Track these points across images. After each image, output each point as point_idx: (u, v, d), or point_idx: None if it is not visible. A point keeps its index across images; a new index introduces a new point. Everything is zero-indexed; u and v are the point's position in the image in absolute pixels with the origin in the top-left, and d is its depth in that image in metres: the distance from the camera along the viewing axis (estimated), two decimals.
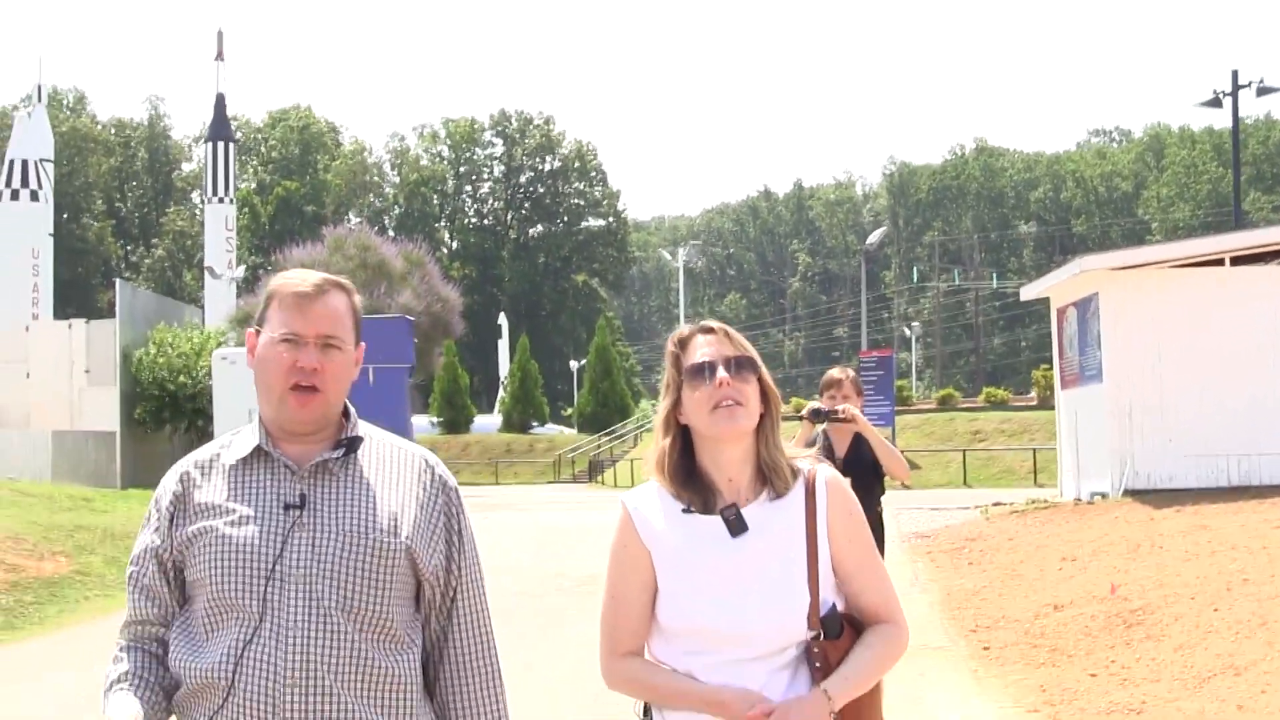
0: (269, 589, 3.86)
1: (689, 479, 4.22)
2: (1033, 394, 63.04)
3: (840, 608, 4.18)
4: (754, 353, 4.27)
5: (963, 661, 14.14)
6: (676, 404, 4.26)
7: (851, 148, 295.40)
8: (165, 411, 48.94)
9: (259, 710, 3.79)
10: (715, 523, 4.14)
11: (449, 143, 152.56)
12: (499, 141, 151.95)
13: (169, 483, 4.12)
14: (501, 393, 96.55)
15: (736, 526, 4.10)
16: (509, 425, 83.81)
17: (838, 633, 4.10)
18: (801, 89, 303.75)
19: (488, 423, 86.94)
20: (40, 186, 71.13)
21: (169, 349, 49.04)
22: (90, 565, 20.43)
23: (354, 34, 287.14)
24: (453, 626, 4.10)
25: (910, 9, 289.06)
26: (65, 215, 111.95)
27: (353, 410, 4.18)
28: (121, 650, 4.02)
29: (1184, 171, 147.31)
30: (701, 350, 4.24)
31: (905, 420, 56.17)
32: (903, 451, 10.45)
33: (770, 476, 4.21)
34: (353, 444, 4.07)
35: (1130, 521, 22.61)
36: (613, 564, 4.29)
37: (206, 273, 76.33)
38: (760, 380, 4.23)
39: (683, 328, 4.37)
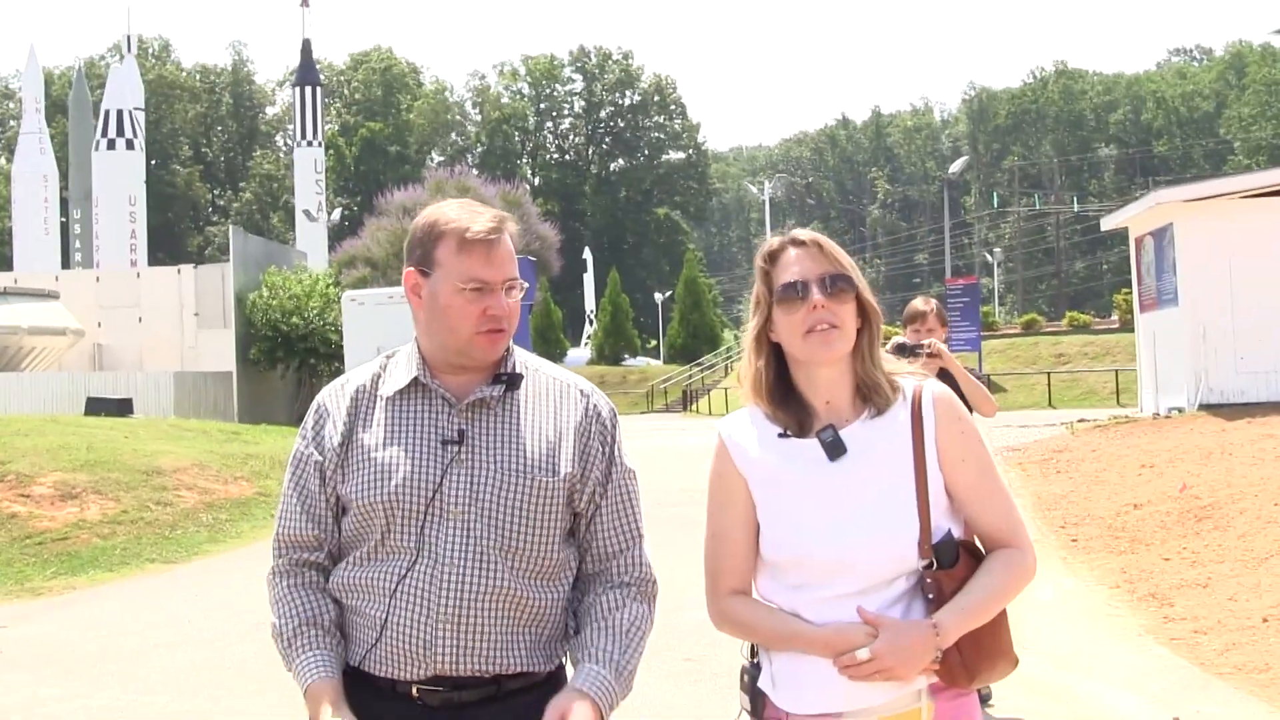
0: (426, 525, 3.85)
1: (784, 400, 3.97)
2: (1114, 317, 64.03)
3: (957, 534, 3.87)
4: (850, 265, 3.96)
5: (1053, 551, 16.27)
6: (768, 321, 3.98)
7: (929, 74, 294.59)
8: (279, 351, 50.73)
9: (413, 644, 3.83)
10: (812, 446, 3.89)
11: (529, 80, 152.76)
12: (579, 77, 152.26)
13: (330, 400, 4.11)
14: (590, 326, 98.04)
15: (834, 449, 3.86)
16: (601, 358, 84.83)
17: (952, 561, 3.81)
18: (878, 15, 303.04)
19: (578, 356, 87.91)
20: (135, 135, 73.34)
21: (280, 292, 50.95)
22: (269, 488, 22.80)
23: None
24: (595, 528, 4.04)
25: None
26: (154, 162, 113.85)
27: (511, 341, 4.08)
28: (286, 580, 4.05)
29: (1265, 90, 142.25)
30: (792, 267, 3.93)
31: (990, 345, 57.48)
32: (989, 377, 10.24)
33: (870, 395, 3.93)
34: (513, 380, 3.99)
35: (1204, 433, 24.40)
36: (711, 496, 4.06)
37: (303, 216, 77.76)
38: (859, 296, 3.93)
39: (772, 239, 4.05)
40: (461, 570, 3.81)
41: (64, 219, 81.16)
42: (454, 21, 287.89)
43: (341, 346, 47.86)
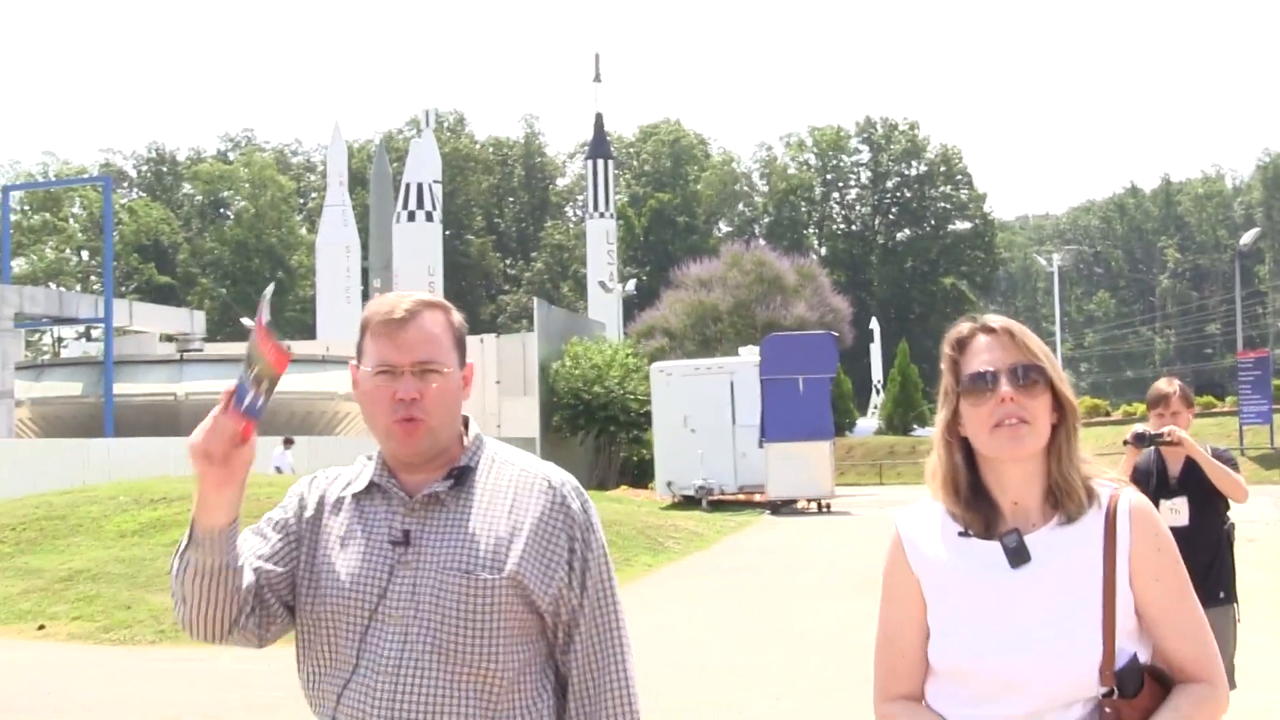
0: (370, 632, 3.68)
1: (971, 497, 3.72)
2: None
3: (1143, 659, 3.58)
4: (1046, 356, 3.72)
5: None
6: (956, 414, 3.75)
7: (1221, 140, 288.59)
8: (580, 419, 52.40)
9: None
10: (994, 549, 3.64)
11: (816, 150, 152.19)
12: (865, 148, 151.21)
13: (311, 489, 3.97)
14: (877, 396, 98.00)
15: (1017, 556, 3.61)
16: (889, 428, 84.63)
17: (1136, 690, 3.51)
18: (1168, 81, 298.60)
19: (866, 426, 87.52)
20: (433, 208, 75.56)
21: (583, 361, 52.47)
22: None
23: (721, 47, 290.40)
24: (573, 656, 3.80)
25: None
26: (449, 232, 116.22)
27: (474, 432, 3.96)
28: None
29: None
30: (981, 356, 3.72)
31: None
32: (1234, 458, 9.56)
33: (1062, 499, 3.66)
34: (462, 474, 3.80)
35: None
36: (883, 592, 3.84)
37: (599, 287, 79.11)
38: (1054, 389, 3.69)
39: (961, 325, 3.83)
40: (397, 679, 3.61)
41: (364, 289, 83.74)
42: (741, 93, 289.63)
43: (640, 415, 49.24)
